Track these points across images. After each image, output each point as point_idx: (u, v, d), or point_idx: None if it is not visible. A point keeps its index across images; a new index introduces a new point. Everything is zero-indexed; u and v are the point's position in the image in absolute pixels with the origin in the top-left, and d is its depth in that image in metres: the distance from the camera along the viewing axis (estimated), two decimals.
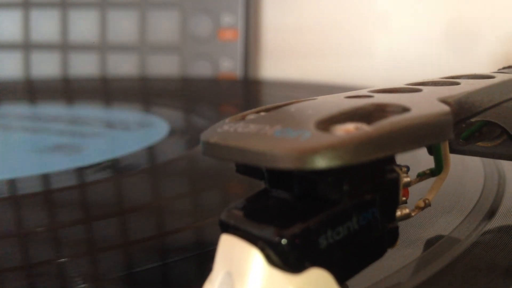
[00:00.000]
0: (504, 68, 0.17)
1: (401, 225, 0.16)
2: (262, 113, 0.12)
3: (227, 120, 0.12)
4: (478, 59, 0.40)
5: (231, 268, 0.10)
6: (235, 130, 0.11)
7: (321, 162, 0.09)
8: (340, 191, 0.11)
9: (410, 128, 0.10)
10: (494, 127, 0.15)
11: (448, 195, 0.18)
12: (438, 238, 0.15)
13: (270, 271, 0.10)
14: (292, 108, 0.12)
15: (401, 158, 0.12)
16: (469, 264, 0.13)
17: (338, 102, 0.12)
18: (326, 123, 0.10)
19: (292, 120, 0.11)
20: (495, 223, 0.16)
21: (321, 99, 0.13)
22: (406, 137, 0.10)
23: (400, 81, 0.14)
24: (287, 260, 0.10)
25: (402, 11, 0.44)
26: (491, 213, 0.17)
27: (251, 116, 0.12)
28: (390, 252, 0.12)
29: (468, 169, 0.21)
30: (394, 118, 0.10)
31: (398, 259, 0.14)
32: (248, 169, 0.12)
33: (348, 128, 0.10)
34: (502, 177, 0.20)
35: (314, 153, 0.09)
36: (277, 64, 0.49)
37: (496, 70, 0.17)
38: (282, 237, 0.10)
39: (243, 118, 0.12)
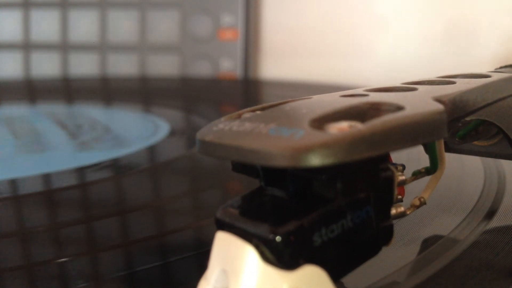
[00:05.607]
0: (501, 67, 0.17)
1: (401, 224, 0.16)
2: (258, 112, 0.12)
3: (222, 118, 0.12)
4: (478, 59, 0.40)
5: (226, 265, 0.11)
6: (230, 129, 0.11)
7: (314, 160, 0.09)
8: (334, 189, 0.11)
9: (403, 126, 0.10)
10: (490, 126, 0.15)
11: (448, 195, 0.18)
12: (438, 237, 0.15)
13: (264, 268, 0.10)
14: (287, 107, 0.12)
15: (399, 157, 0.12)
16: (469, 264, 0.13)
17: (333, 101, 0.12)
18: (320, 122, 0.11)
19: (287, 118, 0.11)
20: (495, 223, 0.16)
21: (316, 98, 0.13)
22: (400, 135, 0.10)
23: (399, 81, 0.14)
24: (281, 257, 0.10)
25: (401, 11, 0.44)
26: (491, 213, 0.17)
27: (247, 115, 0.12)
28: (389, 251, 0.12)
29: (468, 169, 0.21)
30: (388, 116, 0.10)
31: (397, 258, 0.14)
32: (244, 168, 0.12)
33: (342, 127, 0.10)
34: (502, 177, 0.20)
35: (308, 151, 0.09)
36: (277, 64, 0.49)
37: (493, 70, 0.17)
38: (276, 235, 0.10)
39: (239, 117, 0.12)
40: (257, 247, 0.10)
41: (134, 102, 0.42)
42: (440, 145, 0.14)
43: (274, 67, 0.49)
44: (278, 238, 0.10)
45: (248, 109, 0.12)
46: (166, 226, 0.19)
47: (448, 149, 0.17)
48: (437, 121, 0.11)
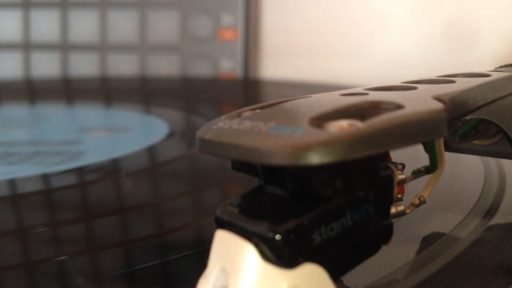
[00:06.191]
0: (501, 66, 0.17)
1: (400, 223, 0.16)
2: (257, 110, 0.12)
3: (222, 117, 0.12)
4: (478, 59, 0.40)
5: (225, 264, 0.11)
6: (230, 127, 0.11)
7: (314, 158, 0.09)
8: (334, 187, 0.11)
9: (403, 125, 0.10)
10: (490, 125, 0.15)
11: (448, 194, 0.18)
12: (438, 236, 0.15)
13: (264, 266, 0.10)
14: (287, 105, 0.12)
15: (399, 156, 0.12)
16: (469, 263, 0.13)
17: (332, 100, 0.12)
18: (320, 120, 0.11)
19: (287, 117, 0.11)
20: (495, 222, 0.16)
21: (316, 96, 0.13)
22: (399, 134, 0.10)
23: (398, 81, 0.14)
24: (281, 255, 0.10)
25: (401, 11, 0.44)
26: (491, 212, 0.17)
27: (247, 113, 0.12)
28: (389, 250, 0.12)
29: (468, 168, 0.21)
30: (387, 115, 0.10)
31: (397, 257, 0.14)
32: (243, 166, 0.12)
33: (341, 125, 0.10)
34: (502, 176, 0.20)
35: (307, 149, 0.09)
36: (277, 64, 0.49)
37: (493, 69, 0.17)
38: (276, 233, 0.10)
39: (238, 115, 0.12)
40: (256, 245, 0.10)
41: (134, 102, 0.41)
42: (440, 144, 0.14)
43: (274, 67, 0.49)
44: (277, 237, 0.10)
45: (248, 107, 0.12)
46: (166, 225, 0.19)
47: (448, 148, 0.17)
48: (437, 120, 0.11)
